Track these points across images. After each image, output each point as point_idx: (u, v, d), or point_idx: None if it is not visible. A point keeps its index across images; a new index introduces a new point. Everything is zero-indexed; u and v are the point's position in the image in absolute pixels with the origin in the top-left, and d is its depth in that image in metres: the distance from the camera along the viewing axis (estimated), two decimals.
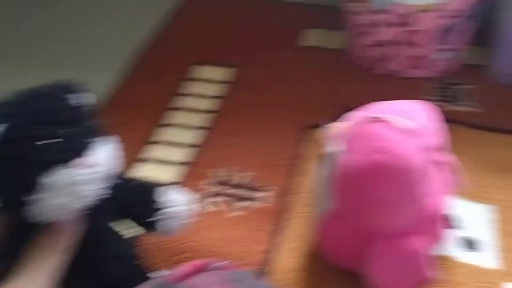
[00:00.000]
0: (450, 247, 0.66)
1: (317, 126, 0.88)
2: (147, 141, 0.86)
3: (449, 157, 0.64)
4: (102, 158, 0.39)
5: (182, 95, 0.96)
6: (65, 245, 0.41)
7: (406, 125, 0.53)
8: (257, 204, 0.74)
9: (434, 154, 0.55)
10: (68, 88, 0.41)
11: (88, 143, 0.40)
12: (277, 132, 0.87)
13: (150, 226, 0.49)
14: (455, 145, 0.81)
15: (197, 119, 0.90)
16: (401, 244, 0.56)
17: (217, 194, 0.76)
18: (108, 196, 0.43)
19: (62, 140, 0.38)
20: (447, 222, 0.60)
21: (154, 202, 0.49)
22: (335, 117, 0.89)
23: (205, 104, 0.94)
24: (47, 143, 0.37)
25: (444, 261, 0.65)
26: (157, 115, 0.91)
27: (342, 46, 1.07)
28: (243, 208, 0.74)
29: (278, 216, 0.73)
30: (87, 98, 0.43)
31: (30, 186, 0.37)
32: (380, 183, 0.53)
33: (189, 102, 0.94)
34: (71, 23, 1.19)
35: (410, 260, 0.56)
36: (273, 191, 0.77)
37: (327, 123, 0.57)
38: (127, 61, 1.04)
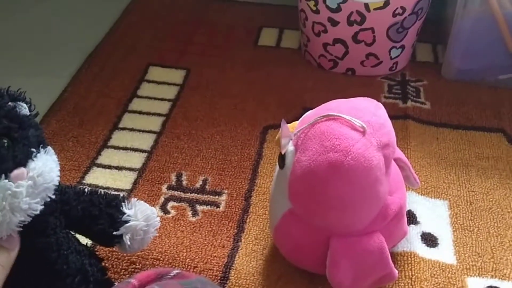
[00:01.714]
0: (410, 243, 0.67)
1: (274, 126, 0.87)
2: (101, 145, 0.83)
3: (400, 154, 0.65)
4: (42, 169, 0.37)
5: (137, 97, 0.94)
6: (3, 263, 0.38)
7: (359, 122, 0.53)
8: (215, 208, 0.73)
9: (388, 150, 0.55)
10: (7, 96, 0.39)
11: (28, 153, 0.37)
12: (233, 134, 0.86)
13: (116, 241, 0.47)
14: (406, 141, 0.83)
15: (150, 123, 0.88)
16: (366, 242, 0.55)
17: (173, 200, 0.74)
18: (61, 209, 0.41)
19: (1, 150, 0.35)
20: (407, 218, 0.60)
21: (122, 214, 0.46)
22: (292, 117, 0.89)
23: (159, 107, 0.91)
24: None
25: (405, 257, 0.65)
26: (112, 118, 0.89)
27: (298, 45, 1.07)
28: (201, 213, 0.72)
29: (237, 219, 0.71)
30: (28, 107, 0.40)
31: None
32: (337, 182, 0.52)
33: (142, 105, 0.92)
34: (23, 27, 1.14)
35: (375, 258, 0.56)
36: (230, 195, 0.75)
37: (283, 123, 0.56)
38: (81, 64, 1.01)
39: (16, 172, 0.36)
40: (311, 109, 0.59)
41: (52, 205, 0.38)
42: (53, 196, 0.38)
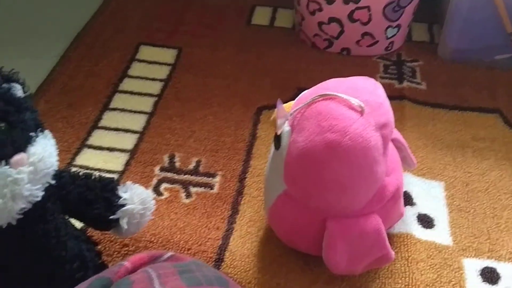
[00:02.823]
0: (406, 224, 0.66)
1: (268, 107, 0.86)
2: (93, 126, 0.81)
3: (398, 134, 0.64)
4: (42, 154, 0.35)
5: (127, 77, 0.91)
6: None
7: (357, 101, 0.52)
8: (208, 190, 0.72)
9: (386, 131, 0.54)
10: (0, 77, 0.37)
11: (28, 138, 0.36)
12: (226, 115, 0.84)
13: (112, 225, 0.46)
14: (402, 122, 0.82)
15: (141, 103, 0.86)
16: (363, 223, 0.55)
17: (166, 181, 0.73)
18: (58, 194, 0.39)
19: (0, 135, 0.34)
20: (404, 199, 0.59)
21: (118, 198, 0.45)
22: (287, 98, 0.88)
23: (150, 87, 0.90)
24: None
25: (401, 239, 0.65)
26: (102, 99, 0.87)
27: (292, 25, 1.05)
28: (195, 195, 0.71)
29: (231, 201, 0.70)
30: (22, 88, 0.38)
31: None
32: (334, 163, 0.51)
33: (133, 85, 0.90)
34: (8, 5, 1.11)
35: (372, 239, 0.55)
36: (224, 176, 0.74)
37: (279, 103, 0.54)
38: (69, 44, 0.98)
39: (16, 157, 0.34)
40: (306, 89, 0.58)
41: (50, 190, 0.36)
42: (53, 182, 0.37)
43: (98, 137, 0.80)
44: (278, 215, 0.58)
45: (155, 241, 0.64)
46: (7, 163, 0.34)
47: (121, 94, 0.88)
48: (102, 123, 0.82)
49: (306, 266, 0.62)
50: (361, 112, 0.51)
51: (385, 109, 0.54)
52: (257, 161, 0.76)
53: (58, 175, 0.39)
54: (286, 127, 0.54)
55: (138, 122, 0.83)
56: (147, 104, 0.86)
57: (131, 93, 0.88)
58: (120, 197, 0.46)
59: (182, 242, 0.64)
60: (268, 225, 0.66)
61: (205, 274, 0.42)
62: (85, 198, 0.44)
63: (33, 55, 0.96)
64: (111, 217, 0.45)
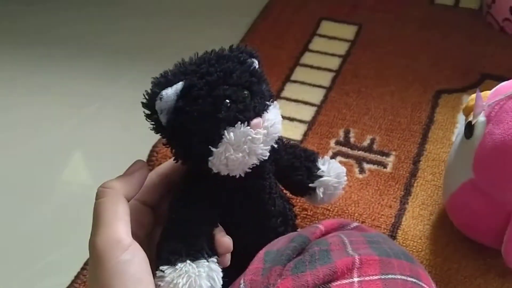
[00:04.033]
0: None
1: (448, 91, 0.84)
2: (275, 96, 0.87)
3: None
4: (274, 121, 0.41)
5: (308, 51, 0.96)
6: None
7: None
8: (382, 169, 0.74)
9: None
10: (246, 52, 0.43)
11: (265, 105, 0.41)
12: (403, 95, 0.85)
13: (308, 192, 0.51)
14: None
15: (320, 77, 0.90)
16: None
17: (341, 155, 0.77)
18: (273, 156, 0.45)
19: (246, 101, 0.40)
20: None
21: (317, 169, 0.50)
22: (468, 83, 0.85)
23: (329, 62, 0.93)
24: (234, 102, 0.39)
25: None
26: (285, 70, 0.92)
27: (479, 6, 1.00)
28: (368, 171, 0.74)
29: (403, 182, 0.72)
30: (259, 62, 0.44)
31: (214, 140, 0.39)
32: None
33: (313, 59, 0.94)
34: None
35: None
36: (398, 157, 0.75)
37: (478, 92, 0.54)
38: (257, 16, 1.05)
39: (255, 121, 0.40)
40: (490, 76, 0.57)
41: (270, 153, 0.42)
42: (275, 145, 0.43)
43: (280, 107, 0.85)
44: (460, 202, 0.59)
45: (331, 209, 0.68)
46: (248, 125, 0.40)
47: (302, 68, 0.93)
48: (284, 94, 0.88)
49: (479, 255, 0.61)
50: None
51: None
52: (432, 145, 0.76)
53: (276, 141, 0.44)
54: (481, 117, 0.54)
55: (316, 95, 0.87)
56: (325, 78, 0.90)
57: (311, 67, 0.93)
58: (319, 169, 0.50)
59: (356, 214, 0.68)
60: (441, 210, 0.67)
61: (391, 247, 0.44)
62: (292, 164, 0.49)
63: (223, 26, 1.05)
64: (310, 184, 0.50)
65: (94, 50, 1.06)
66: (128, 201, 0.41)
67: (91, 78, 1.00)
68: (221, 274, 0.41)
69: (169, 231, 0.42)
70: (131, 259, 0.37)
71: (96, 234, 0.38)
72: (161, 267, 0.39)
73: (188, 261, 0.39)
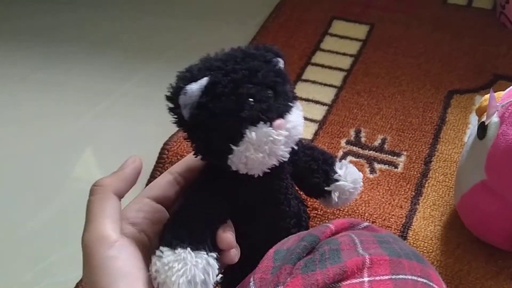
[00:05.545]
0: None
1: (460, 91, 0.84)
2: None
3: None
4: (296, 122, 0.41)
5: (320, 50, 0.96)
6: None
7: None
8: (392, 169, 0.74)
9: None
10: (272, 51, 0.42)
11: (288, 107, 0.41)
12: (415, 95, 0.84)
13: (323, 195, 0.50)
14: None
15: (331, 77, 0.90)
16: None
17: (351, 155, 0.76)
18: (291, 158, 0.44)
19: (269, 101, 0.40)
20: None
21: (334, 173, 0.50)
22: (481, 84, 0.85)
23: (340, 61, 0.93)
24: (257, 101, 0.39)
25: None
26: (296, 69, 0.92)
27: (492, 6, 0.99)
28: (379, 171, 0.74)
29: (415, 182, 0.72)
30: (284, 62, 0.44)
31: (235, 138, 0.39)
32: None
33: (325, 58, 0.94)
34: None
35: None
36: (409, 157, 0.75)
37: (491, 93, 0.54)
38: (269, 14, 1.05)
39: (278, 122, 0.39)
40: (503, 76, 0.56)
41: (290, 154, 0.42)
42: (296, 147, 0.42)
43: None
44: (471, 203, 0.58)
45: (341, 209, 0.68)
46: (270, 125, 0.39)
47: (313, 67, 0.93)
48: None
49: (491, 257, 0.61)
50: None
51: None
52: (444, 146, 0.76)
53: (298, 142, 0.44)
54: (494, 118, 0.54)
55: (327, 95, 0.87)
56: (337, 78, 0.90)
57: (322, 66, 0.93)
58: (336, 172, 0.50)
59: (366, 214, 0.67)
60: (452, 211, 0.67)
61: (402, 247, 0.44)
62: (309, 166, 0.49)
63: (234, 25, 1.05)
64: (325, 188, 0.50)
65: (107, 49, 1.07)
66: (121, 197, 0.42)
67: (104, 76, 1.01)
68: (217, 272, 0.40)
69: (177, 216, 0.42)
70: (116, 255, 0.38)
71: (85, 231, 0.39)
72: (161, 248, 0.39)
73: (189, 249, 0.39)
